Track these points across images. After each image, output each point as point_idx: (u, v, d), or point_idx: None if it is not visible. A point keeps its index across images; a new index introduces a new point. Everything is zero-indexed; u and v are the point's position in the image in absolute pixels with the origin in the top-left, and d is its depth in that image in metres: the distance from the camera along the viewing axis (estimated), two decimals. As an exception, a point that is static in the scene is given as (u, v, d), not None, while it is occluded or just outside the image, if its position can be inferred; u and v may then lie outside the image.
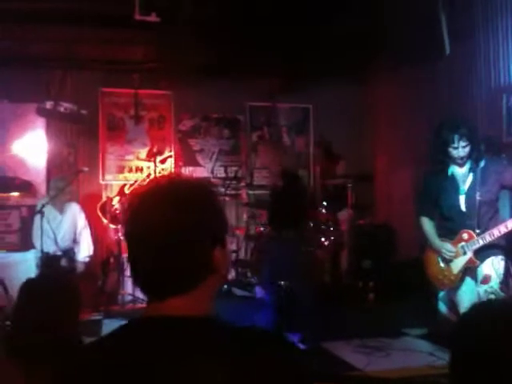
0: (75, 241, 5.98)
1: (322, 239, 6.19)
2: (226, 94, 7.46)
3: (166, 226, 1.07)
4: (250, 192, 7.16)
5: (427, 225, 4.14)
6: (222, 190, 6.94)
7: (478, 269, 3.87)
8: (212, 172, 7.75)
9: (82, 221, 6.06)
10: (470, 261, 3.87)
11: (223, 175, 7.72)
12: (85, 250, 5.99)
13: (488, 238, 3.75)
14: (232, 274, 6.51)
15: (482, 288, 3.81)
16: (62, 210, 5.91)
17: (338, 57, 6.46)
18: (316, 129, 8.03)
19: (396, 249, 6.91)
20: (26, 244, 6.05)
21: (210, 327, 1.07)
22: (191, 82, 7.19)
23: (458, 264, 3.94)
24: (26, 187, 6.88)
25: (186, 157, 7.68)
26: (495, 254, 3.83)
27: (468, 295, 3.93)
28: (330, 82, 7.44)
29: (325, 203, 6.37)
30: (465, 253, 3.88)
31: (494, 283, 3.79)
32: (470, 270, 3.92)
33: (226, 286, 6.02)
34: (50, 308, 1.88)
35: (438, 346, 4.39)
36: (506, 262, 3.89)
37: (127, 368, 1.02)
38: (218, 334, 1.06)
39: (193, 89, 7.33)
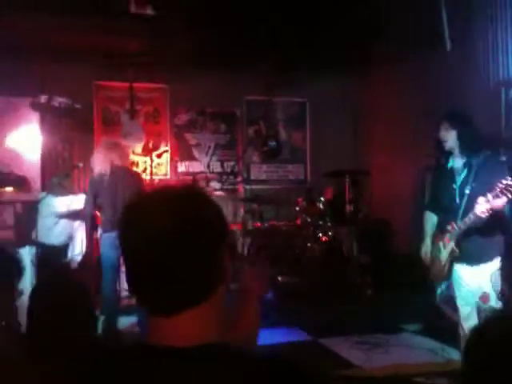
0: (71, 237, 5.95)
1: (320, 234, 6.14)
2: (222, 87, 7.39)
3: (174, 230, 0.94)
4: (247, 187, 7.10)
5: (427, 220, 4.13)
6: (219, 185, 6.89)
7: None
8: (208, 167, 7.69)
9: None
10: (452, 251, 3.87)
11: (219, 170, 7.68)
12: (78, 247, 5.96)
13: (462, 226, 3.73)
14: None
15: None
16: (60, 206, 5.86)
17: (336, 50, 6.41)
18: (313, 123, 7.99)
19: (394, 244, 6.89)
20: (20, 240, 5.98)
21: (230, 359, 0.95)
22: (187, 75, 7.13)
23: (444, 255, 3.94)
24: (21, 182, 6.80)
25: (182, 151, 7.62)
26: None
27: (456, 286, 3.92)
28: (328, 76, 7.39)
29: (322, 198, 6.32)
30: (449, 244, 3.88)
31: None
32: (454, 259, 3.90)
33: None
34: (68, 309, 1.85)
35: (436, 341, 4.37)
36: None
37: None
38: (240, 368, 0.94)
39: (188, 82, 7.25)
